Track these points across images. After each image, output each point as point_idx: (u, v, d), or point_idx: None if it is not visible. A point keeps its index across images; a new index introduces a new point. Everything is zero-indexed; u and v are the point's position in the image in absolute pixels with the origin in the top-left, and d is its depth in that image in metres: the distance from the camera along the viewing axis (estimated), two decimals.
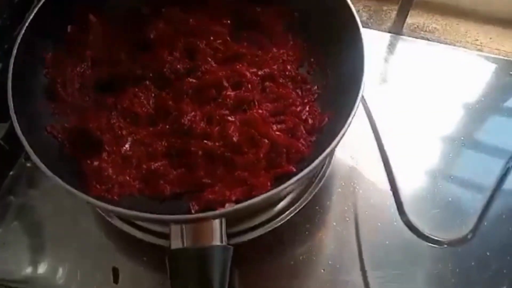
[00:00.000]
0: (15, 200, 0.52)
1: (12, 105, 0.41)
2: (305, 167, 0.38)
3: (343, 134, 0.39)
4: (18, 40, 0.44)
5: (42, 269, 0.47)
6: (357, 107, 0.40)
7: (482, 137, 0.53)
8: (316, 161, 0.38)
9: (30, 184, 0.53)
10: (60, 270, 0.47)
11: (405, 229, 0.45)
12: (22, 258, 0.48)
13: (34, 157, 0.38)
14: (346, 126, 0.39)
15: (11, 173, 0.52)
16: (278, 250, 0.46)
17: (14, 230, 0.50)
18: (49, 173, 0.38)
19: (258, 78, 0.47)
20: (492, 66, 0.60)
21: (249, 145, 0.42)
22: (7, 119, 0.48)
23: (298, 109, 0.46)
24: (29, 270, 0.47)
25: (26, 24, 0.45)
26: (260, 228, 0.45)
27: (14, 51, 0.44)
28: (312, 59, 0.51)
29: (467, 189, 0.49)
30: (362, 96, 0.54)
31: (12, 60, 0.43)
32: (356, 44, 0.45)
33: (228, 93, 0.45)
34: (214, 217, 0.35)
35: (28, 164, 0.54)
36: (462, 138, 0.53)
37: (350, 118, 0.40)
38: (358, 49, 0.44)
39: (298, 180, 0.38)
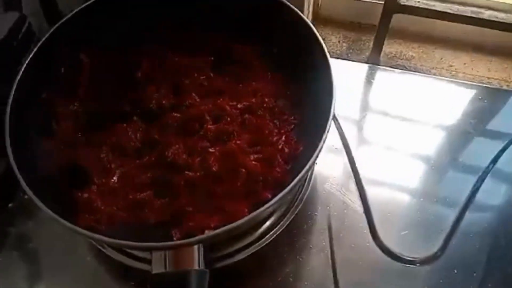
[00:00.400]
0: (14, 230, 0.55)
1: (8, 141, 0.44)
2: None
3: (314, 161, 0.42)
4: (16, 82, 0.48)
5: None
6: (327, 134, 0.43)
7: (452, 159, 0.56)
8: (288, 187, 0.41)
9: (27, 215, 0.56)
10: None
11: (377, 250, 0.47)
12: (21, 286, 0.51)
13: (28, 191, 0.42)
14: (315, 153, 0.42)
15: (10, 205, 0.56)
16: (257, 272, 0.48)
17: (13, 258, 0.52)
18: (41, 205, 0.41)
19: (238, 111, 0.51)
20: (464, 92, 0.63)
21: (228, 175, 0.46)
22: (5, 155, 0.52)
23: (275, 139, 0.49)
24: None
25: (23, 67, 0.49)
26: (241, 252, 0.48)
27: (12, 92, 0.47)
28: (288, 92, 0.54)
29: (437, 208, 0.52)
30: (338, 123, 0.58)
31: (10, 99, 0.47)
32: (327, 79, 0.48)
33: (209, 126, 0.49)
34: (191, 244, 0.38)
35: (26, 197, 0.57)
36: (433, 161, 0.56)
37: (320, 145, 0.42)
38: (328, 83, 0.48)
39: (271, 205, 0.41)
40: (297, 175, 0.43)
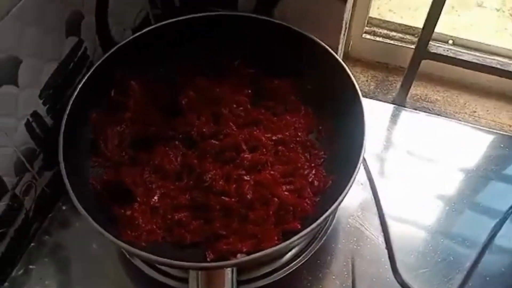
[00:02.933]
0: (50, 239, 0.58)
1: (62, 156, 0.48)
2: (309, 224, 0.44)
3: (344, 197, 0.45)
4: (71, 101, 0.52)
5: None
6: (357, 173, 0.46)
7: (473, 201, 0.59)
8: (319, 220, 0.44)
9: (63, 226, 0.59)
10: None
11: (397, 285, 0.50)
12: None
13: (76, 203, 0.45)
14: (346, 189, 0.45)
15: (50, 215, 0.59)
16: None
17: (47, 267, 0.55)
18: (89, 218, 0.44)
19: (272, 142, 0.54)
20: (486, 138, 0.66)
21: (260, 203, 0.49)
22: (52, 168, 0.56)
23: (306, 172, 0.52)
24: None
25: (78, 89, 0.53)
26: (266, 278, 0.50)
27: (67, 110, 0.51)
28: (320, 127, 0.58)
29: (456, 248, 0.54)
30: (365, 161, 0.61)
31: (64, 118, 0.51)
32: (359, 117, 0.51)
33: (246, 155, 0.52)
34: (226, 266, 0.41)
35: (64, 208, 0.60)
36: (454, 202, 0.58)
37: (350, 182, 0.46)
38: (360, 122, 0.51)
39: (302, 236, 0.43)
40: (326, 208, 0.46)
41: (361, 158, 0.47)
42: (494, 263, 0.53)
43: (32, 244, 0.57)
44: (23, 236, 0.55)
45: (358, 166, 0.46)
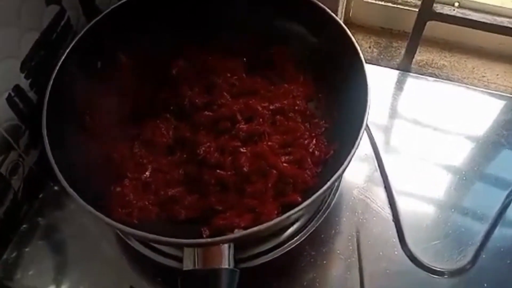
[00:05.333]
0: (42, 221, 0.55)
1: (45, 133, 0.45)
2: (310, 196, 0.42)
3: (346, 166, 0.42)
4: (54, 73, 0.49)
5: (64, 286, 0.51)
6: (360, 141, 0.43)
7: (484, 171, 0.55)
8: (320, 191, 0.41)
9: (56, 207, 0.57)
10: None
11: (406, 258, 0.47)
12: (46, 276, 0.52)
13: (63, 181, 0.42)
14: (348, 158, 0.42)
15: (40, 195, 0.57)
16: (284, 275, 0.48)
17: (40, 249, 0.53)
18: (77, 197, 0.41)
19: (269, 112, 0.51)
20: (497, 103, 0.62)
21: (258, 175, 0.46)
22: (39, 146, 0.53)
23: (306, 141, 0.49)
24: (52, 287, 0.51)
25: (61, 60, 0.50)
26: (268, 254, 0.48)
27: (50, 84, 0.48)
28: (320, 95, 0.54)
29: (467, 220, 0.51)
30: (369, 130, 0.57)
31: (47, 92, 0.48)
32: (361, 82, 0.48)
33: (241, 126, 0.49)
34: (223, 242, 0.38)
35: (56, 188, 0.58)
36: (464, 172, 0.55)
37: (353, 151, 0.42)
38: (363, 87, 0.48)
39: (302, 209, 0.40)
40: (327, 179, 0.43)
41: (364, 126, 0.44)
42: (508, 234, 0.50)
43: (24, 226, 0.54)
44: (13, 218, 0.53)
45: (361, 134, 0.43)
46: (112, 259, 0.52)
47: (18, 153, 0.51)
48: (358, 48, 0.50)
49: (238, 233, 0.42)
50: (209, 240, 0.39)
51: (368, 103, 0.46)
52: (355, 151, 0.42)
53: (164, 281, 0.48)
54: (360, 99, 0.47)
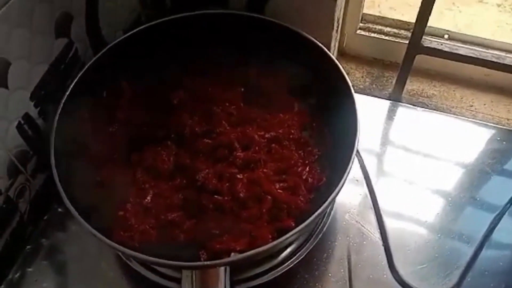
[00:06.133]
0: (46, 242, 0.57)
1: (53, 159, 0.48)
2: (303, 222, 0.44)
3: (338, 193, 0.45)
4: (62, 103, 0.51)
5: None
6: (351, 168, 0.46)
7: (470, 196, 0.58)
8: (312, 217, 0.43)
9: (60, 228, 0.58)
10: None
11: (394, 282, 0.49)
12: None
13: (69, 205, 0.45)
14: (340, 185, 0.44)
15: (45, 217, 0.59)
16: None
17: (44, 269, 0.55)
18: (81, 220, 0.44)
19: (265, 140, 0.54)
20: (484, 132, 0.65)
21: (254, 201, 0.48)
22: (46, 170, 0.56)
23: (299, 169, 0.52)
24: None
25: (69, 90, 0.53)
26: (263, 276, 0.50)
27: (58, 112, 0.51)
28: (314, 124, 0.57)
29: (454, 244, 0.53)
30: (360, 157, 0.60)
31: (56, 119, 0.50)
32: (352, 113, 0.51)
33: (238, 153, 0.52)
34: (219, 265, 0.40)
35: (60, 210, 0.60)
36: (451, 197, 0.58)
37: (343, 179, 0.45)
38: (353, 117, 0.51)
39: (295, 233, 0.43)
40: (320, 204, 0.45)
41: (354, 154, 0.47)
42: (493, 258, 0.52)
43: (28, 246, 0.56)
44: (18, 239, 0.55)
45: (351, 162, 0.46)
46: (112, 280, 0.54)
47: (26, 177, 0.54)
48: (348, 79, 0.53)
49: (233, 256, 0.44)
50: (206, 263, 0.41)
51: (358, 132, 0.49)
52: (346, 178, 0.45)
53: None
54: (350, 128, 0.50)
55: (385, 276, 0.50)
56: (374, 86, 0.77)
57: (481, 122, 0.67)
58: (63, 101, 0.52)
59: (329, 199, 0.44)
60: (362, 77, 0.78)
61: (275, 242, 0.41)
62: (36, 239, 0.57)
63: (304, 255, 0.52)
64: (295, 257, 0.52)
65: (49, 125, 0.52)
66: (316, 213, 0.43)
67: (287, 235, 0.42)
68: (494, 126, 0.66)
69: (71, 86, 0.53)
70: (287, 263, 0.51)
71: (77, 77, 0.54)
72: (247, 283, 0.50)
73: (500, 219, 0.56)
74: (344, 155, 0.48)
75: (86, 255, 0.56)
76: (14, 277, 0.54)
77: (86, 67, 0.55)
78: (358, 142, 0.48)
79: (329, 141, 0.55)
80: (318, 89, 0.58)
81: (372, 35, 0.79)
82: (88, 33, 0.59)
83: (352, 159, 0.46)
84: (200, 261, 0.45)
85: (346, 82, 0.53)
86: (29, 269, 0.55)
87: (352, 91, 0.52)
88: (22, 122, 0.51)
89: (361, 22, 0.79)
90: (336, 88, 0.54)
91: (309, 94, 0.59)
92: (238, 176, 0.50)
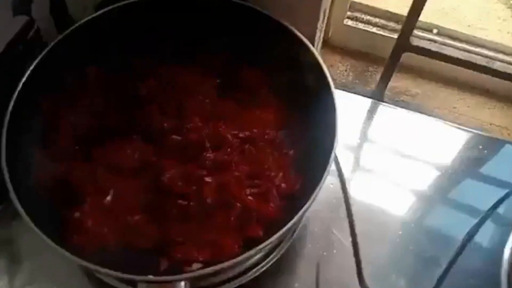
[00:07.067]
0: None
1: (3, 148, 0.44)
2: (273, 231, 0.41)
3: (311, 204, 0.42)
4: (19, 87, 0.47)
5: None
6: (325, 178, 0.43)
7: (448, 201, 0.57)
8: (282, 230, 0.41)
9: (14, 218, 0.55)
10: None
11: None
12: None
13: (17, 204, 0.41)
14: (313, 197, 0.42)
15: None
16: None
17: None
18: (29, 222, 0.40)
19: (239, 140, 0.51)
20: (465, 137, 0.64)
21: (221, 207, 0.45)
22: None
23: (273, 174, 0.49)
24: None
25: (27, 72, 0.48)
26: (229, 283, 0.48)
27: (14, 97, 0.47)
28: (291, 124, 0.54)
29: (425, 259, 0.52)
30: (337, 161, 0.58)
31: (11, 104, 0.46)
32: (331, 116, 0.48)
33: (208, 154, 0.48)
34: (177, 280, 0.38)
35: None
36: (428, 202, 0.56)
37: (317, 189, 0.42)
38: (331, 122, 0.47)
39: (264, 247, 0.40)
40: (291, 213, 0.43)
41: (330, 163, 0.44)
42: (463, 274, 0.51)
43: None
44: None
45: (326, 171, 0.43)
46: (72, 278, 0.51)
47: None
48: (330, 80, 0.50)
49: (196, 267, 0.42)
50: (162, 278, 0.38)
51: (336, 140, 0.46)
52: (319, 190, 0.42)
53: None
54: (328, 132, 0.47)
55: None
56: (357, 81, 0.74)
57: (462, 127, 0.65)
58: (20, 84, 0.47)
59: (301, 212, 0.42)
60: (346, 70, 0.75)
61: (239, 258, 0.39)
62: None
63: (270, 264, 0.49)
64: (262, 264, 0.49)
65: (2, 110, 0.48)
66: (287, 227, 0.41)
67: (255, 250, 0.40)
68: (476, 132, 0.64)
69: (30, 68, 0.48)
70: (252, 271, 0.49)
71: (37, 59, 0.49)
72: None
73: (479, 227, 0.54)
74: (321, 160, 0.45)
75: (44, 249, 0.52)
76: None
77: (48, 48, 0.50)
78: (335, 150, 0.45)
79: (306, 143, 0.51)
80: (297, 85, 0.54)
81: (360, 25, 0.75)
82: (52, 11, 0.54)
83: (328, 167, 0.43)
84: (160, 271, 0.42)
85: (327, 81, 0.50)
86: None
87: (333, 91, 0.49)
88: None
89: (349, 11, 0.75)
90: (317, 86, 0.51)
91: (288, 90, 0.55)
92: (207, 179, 0.46)
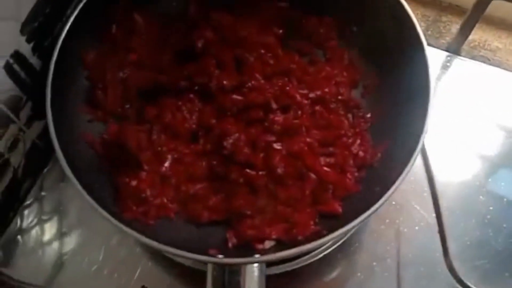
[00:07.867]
0: (47, 197, 0.50)
1: (49, 105, 0.39)
2: (354, 207, 0.36)
3: (402, 180, 0.36)
4: (61, 39, 0.42)
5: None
6: (420, 148, 0.37)
7: None
8: (373, 208, 0.35)
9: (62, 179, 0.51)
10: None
11: (449, 277, 0.42)
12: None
13: (66, 168, 0.37)
14: (404, 173, 0.36)
15: (44, 170, 0.51)
16: (312, 285, 0.44)
17: (44, 225, 0.49)
18: (80, 189, 0.36)
19: (308, 101, 0.44)
20: None
21: (294, 179, 0.40)
22: (44, 117, 0.47)
23: (350, 140, 0.43)
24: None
25: (69, 22, 0.42)
26: (296, 260, 0.43)
27: (56, 50, 0.41)
28: (368, 82, 0.47)
29: None
30: None
31: (53, 59, 0.41)
32: (420, 72, 0.41)
33: (276, 118, 0.42)
34: (252, 262, 0.33)
35: None
36: None
37: (410, 163, 0.36)
38: (421, 74, 0.41)
39: (347, 230, 0.35)
40: (372, 187, 0.38)
41: (424, 130, 0.37)
42: None
43: (27, 202, 0.49)
44: (12, 197, 0.48)
45: (421, 141, 0.37)
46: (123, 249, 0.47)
47: (19, 126, 0.45)
48: (418, 27, 0.43)
49: (269, 245, 0.37)
50: (238, 260, 0.33)
51: (430, 100, 0.39)
52: (411, 166, 0.36)
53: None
54: (417, 91, 0.40)
55: (439, 270, 0.43)
56: (429, 32, 0.65)
57: None
58: (63, 34, 0.42)
59: (394, 187, 0.36)
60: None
61: (320, 241, 0.33)
62: (35, 194, 0.50)
63: (344, 240, 0.44)
64: (334, 240, 0.44)
65: (46, 65, 0.43)
66: (378, 204, 0.35)
67: (336, 233, 0.34)
68: None
69: (72, 18, 0.43)
70: (323, 248, 0.44)
71: (80, 5, 0.43)
72: (278, 266, 0.43)
73: None
74: (408, 128, 0.39)
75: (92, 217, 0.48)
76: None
77: None
78: (429, 114, 0.38)
79: (386, 105, 0.45)
80: (375, 37, 0.47)
81: None
82: None
83: (422, 137, 0.37)
84: (228, 248, 0.37)
85: (415, 30, 0.43)
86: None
87: (424, 42, 0.42)
88: (11, 61, 0.41)
89: None
90: (400, 37, 0.44)
91: (363, 42, 0.48)
92: (275, 146, 0.41)
